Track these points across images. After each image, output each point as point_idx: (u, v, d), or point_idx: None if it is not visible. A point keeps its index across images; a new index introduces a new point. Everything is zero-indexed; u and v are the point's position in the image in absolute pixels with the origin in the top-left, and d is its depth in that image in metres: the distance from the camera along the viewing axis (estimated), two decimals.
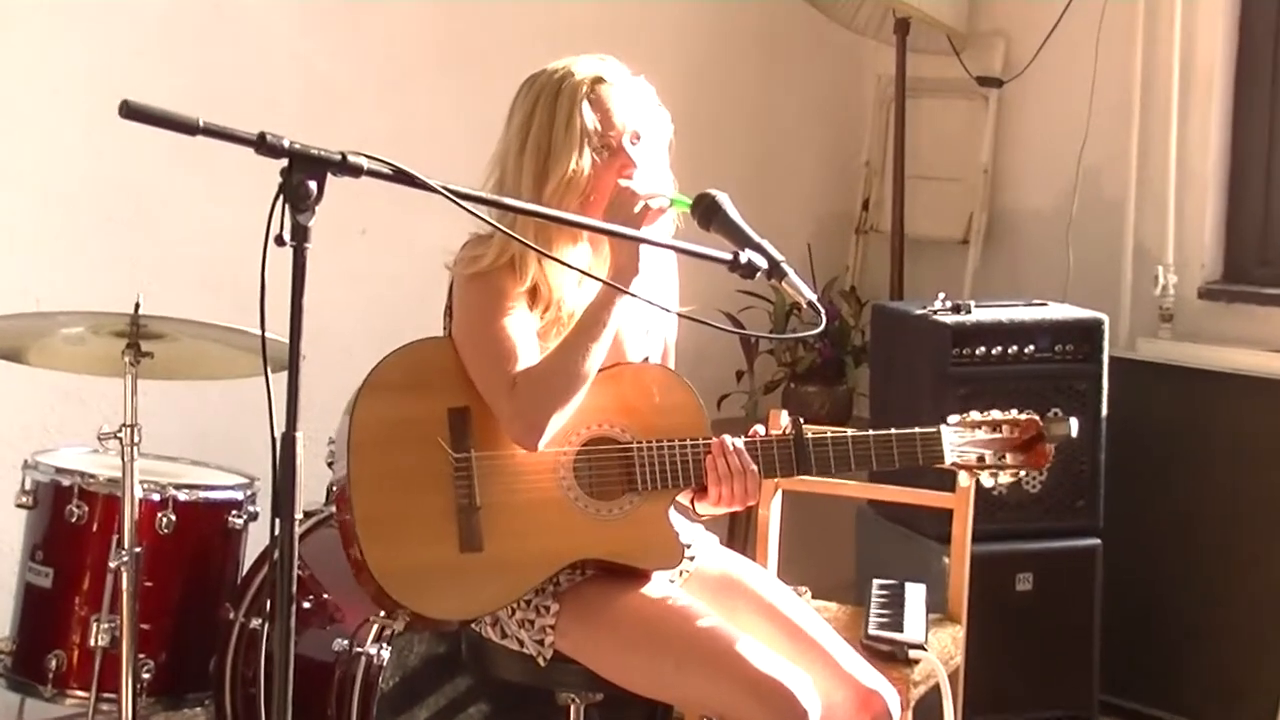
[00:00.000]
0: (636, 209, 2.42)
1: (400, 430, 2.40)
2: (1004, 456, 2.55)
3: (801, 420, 2.52)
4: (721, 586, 2.59)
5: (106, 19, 3.75)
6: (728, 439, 2.47)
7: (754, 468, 2.46)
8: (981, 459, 2.55)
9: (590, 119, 2.44)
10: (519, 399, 2.38)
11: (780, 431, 2.52)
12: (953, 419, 2.56)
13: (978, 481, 2.57)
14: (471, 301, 2.46)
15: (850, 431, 2.53)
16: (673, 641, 2.39)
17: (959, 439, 2.54)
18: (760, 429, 2.53)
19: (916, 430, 2.53)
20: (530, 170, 2.45)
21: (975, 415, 2.57)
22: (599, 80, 2.47)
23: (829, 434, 2.52)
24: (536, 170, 2.44)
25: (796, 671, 2.38)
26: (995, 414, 2.57)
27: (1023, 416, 2.57)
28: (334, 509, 3.11)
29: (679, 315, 2.55)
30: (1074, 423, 2.58)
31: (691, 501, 2.54)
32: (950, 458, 2.54)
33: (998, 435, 2.56)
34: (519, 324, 2.44)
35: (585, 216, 2.41)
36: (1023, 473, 2.58)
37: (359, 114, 4.09)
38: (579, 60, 2.49)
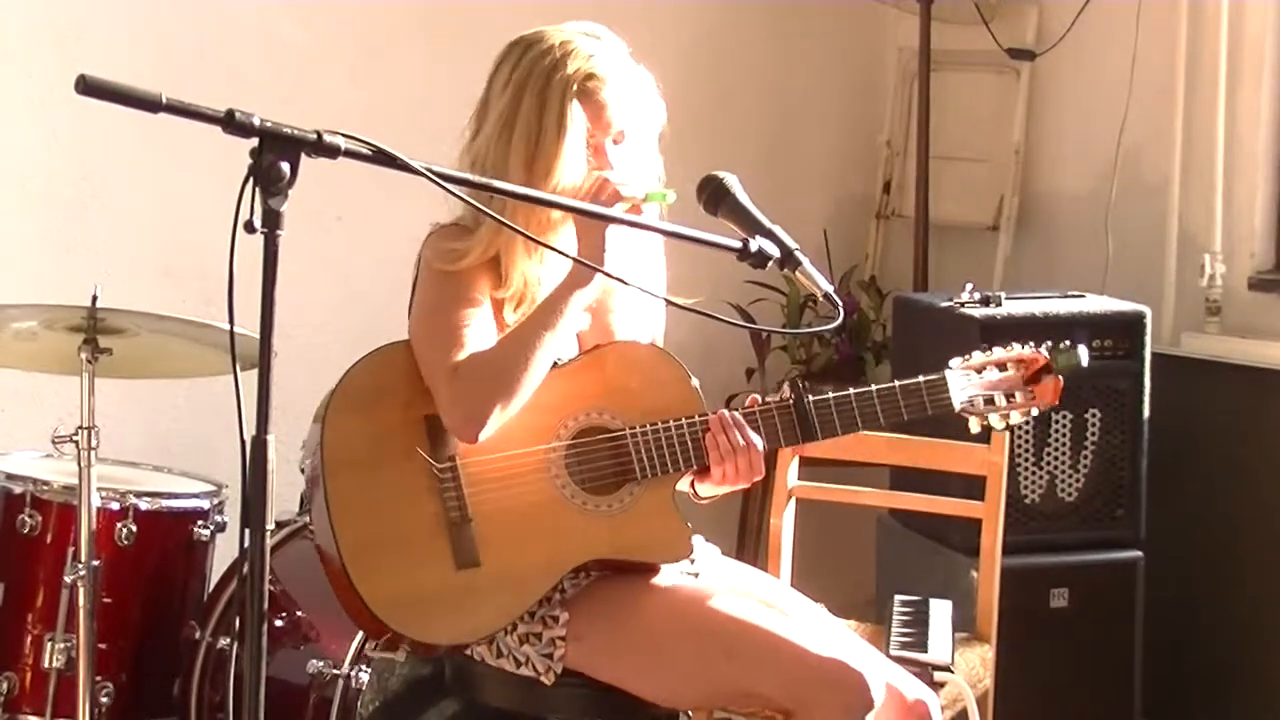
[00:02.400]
0: (605, 198, 2.42)
1: (376, 446, 2.41)
2: (1013, 395, 2.60)
3: (804, 383, 2.53)
4: None
5: None
6: (725, 412, 2.48)
7: (757, 440, 2.47)
8: (990, 400, 2.59)
9: (579, 120, 2.45)
10: (459, 384, 2.37)
11: (778, 398, 2.52)
12: (955, 361, 2.60)
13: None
14: (431, 290, 2.46)
15: (853, 389, 2.55)
16: (719, 629, 2.40)
17: (965, 381, 2.58)
18: (758, 397, 2.54)
19: (921, 379, 2.56)
20: (518, 170, 2.43)
21: (978, 356, 2.61)
22: (591, 76, 2.46)
23: (831, 394, 2.53)
24: (523, 169, 2.44)
25: (856, 649, 2.40)
26: (999, 351, 2.61)
27: (1027, 352, 2.62)
28: (308, 530, 3.13)
29: (684, 309, 2.55)
30: (1083, 351, 2.64)
31: (692, 485, 2.55)
32: (959, 402, 2.57)
33: (1005, 374, 2.60)
34: (474, 315, 2.44)
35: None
36: (1034, 410, 2.62)
37: (333, 88, 4.09)
38: (574, 41, 2.48)
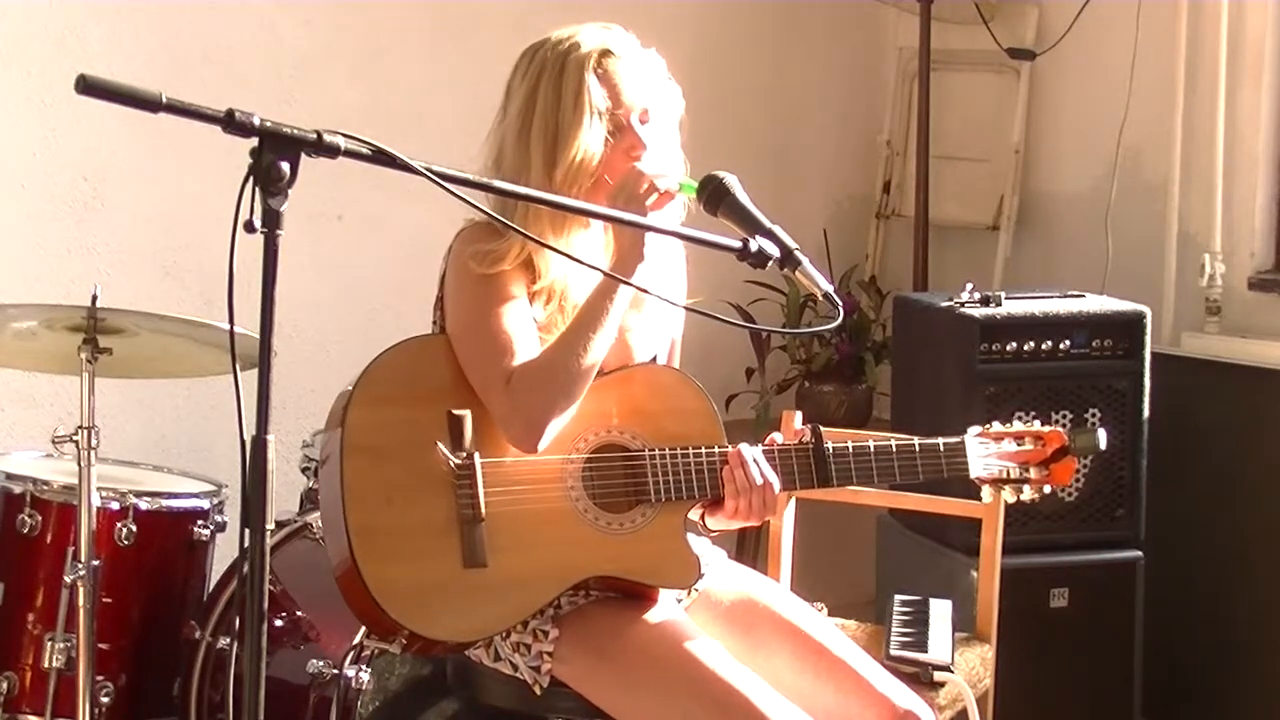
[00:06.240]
0: (642, 190, 2.43)
1: (395, 438, 2.39)
2: (1028, 471, 2.58)
3: (820, 427, 2.53)
4: (737, 606, 2.60)
5: None
6: (745, 448, 2.47)
7: (774, 479, 2.47)
8: (1005, 473, 2.58)
9: (599, 95, 2.45)
10: (515, 396, 2.38)
11: (797, 440, 2.52)
12: (974, 430, 2.58)
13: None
14: (471, 295, 2.46)
15: (872, 441, 2.55)
16: (682, 686, 2.39)
17: (983, 450, 2.57)
18: (777, 436, 2.54)
19: (940, 441, 2.56)
20: (539, 153, 2.45)
21: (998, 426, 2.61)
22: (607, 53, 2.47)
23: (850, 444, 2.53)
24: (545, 153, 2.44)
25: (820, 701, 2.39)
26: (1018, 425, 2.60)
27: (1046, 429, 2.61)
28: (312, 523, 3.14)
29: (684, 309, 2.55)
30: (1102, 434, 2.62)
31: (702, 516, 2.55)
32: (975, 470, 2.57)
33: (1021, 448, 2.58)
34: (518, 316, 2.44)
35: (594, 199, 2.43)
36: (1047, 489, 2.60)
37: (333, 88, 4.09)
38: (583, 30, 2.50)
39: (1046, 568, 3.66)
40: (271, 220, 1.87)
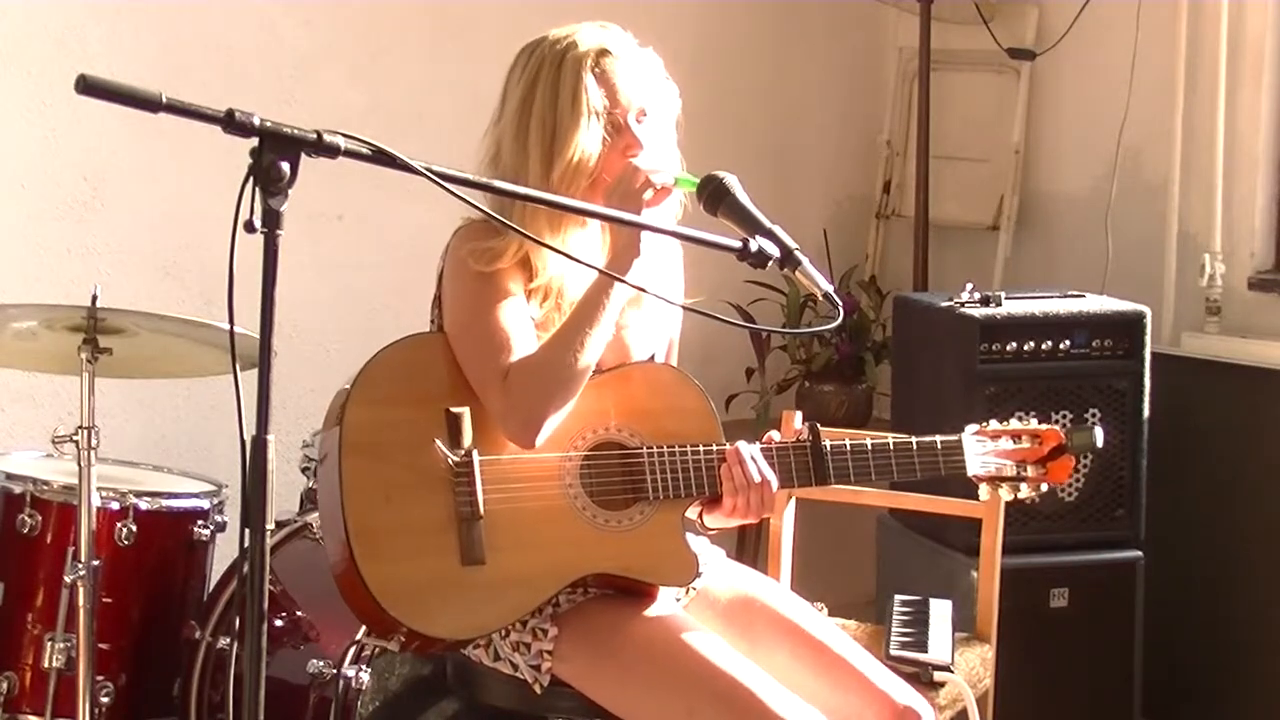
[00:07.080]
0: (638, 186, 2.44)
1: (393, 436, 2.40)
2: (1025, 469, 2.58)
3: (818, 425, 2.53)
4: (735, 605, 2.60)
5: None
6: (743, 446, 2.48)
7: (772, 477, 2.47)
8: (1003, 471, 2.58)
9: (596, 95, 2.45)
10: (512, 392, 2.38)
11: (795, 438, 2.52)
12: (971, 428, 2.59)
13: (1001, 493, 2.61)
14: (469, 292, 2.46)
15: (870, 440, 2.55)
16: (685, 680, 2.39)
17: (980, 448, 2.57)
18: (775, 435, 2.54)
19: (938, 439, 2.57)
20: (537, 153, 2.45)
21: (995, 425, 2.61)
22: (604, 53, 2.48)
23: (848, 442, 2.54)
24: (543, 153, 2.45)
25: (816, 715, 2.39)
26: (1015, 424, 2.60)
27: (1043, 427, 2.61)
28: (312, 523, 3.14)
29: (684, 308, 2.56)
30: (1099, 432, 2.62)
31: (700, 514, 2.55)
32: (972, 468, 2.57)
33: (1019, 446, 2.59)
34: (515, 313, 2.45)
35: (591, 199, 2.43)
36: (1044, 487, 2.60)
37: (333, 88, 4.09)
38: (581, 29, 2.51)
39: (1046, 568, 3.66)
40: (271, 220, 1.87)
